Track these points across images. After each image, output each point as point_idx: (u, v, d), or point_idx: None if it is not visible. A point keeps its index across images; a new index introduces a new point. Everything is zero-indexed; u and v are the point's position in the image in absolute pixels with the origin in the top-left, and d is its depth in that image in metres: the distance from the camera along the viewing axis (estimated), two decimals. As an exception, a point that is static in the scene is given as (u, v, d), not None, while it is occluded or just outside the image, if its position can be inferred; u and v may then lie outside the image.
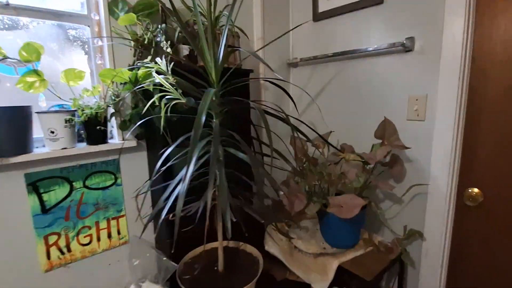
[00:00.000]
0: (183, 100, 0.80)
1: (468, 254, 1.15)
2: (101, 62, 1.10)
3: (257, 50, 1.53)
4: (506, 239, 1.06)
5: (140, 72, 0.95)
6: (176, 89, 0.80)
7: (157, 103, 0.80)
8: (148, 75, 0.95)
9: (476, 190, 1.11)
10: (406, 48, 1.18)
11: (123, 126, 1.06)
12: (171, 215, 0.81)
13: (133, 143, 1.11)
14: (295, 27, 1.64)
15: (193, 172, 0.86)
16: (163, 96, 0.87)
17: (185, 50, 1.13)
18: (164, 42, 1.01)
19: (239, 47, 1.25)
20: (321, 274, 1.09)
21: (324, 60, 1.51)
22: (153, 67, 0.78)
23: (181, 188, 0.74)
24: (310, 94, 1.63)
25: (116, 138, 1.13)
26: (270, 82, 1.21)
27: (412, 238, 1.15)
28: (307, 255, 1.16)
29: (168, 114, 0.87)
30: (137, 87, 0.93)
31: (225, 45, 0.91)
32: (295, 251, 1.20)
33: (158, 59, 0.85)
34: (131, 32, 1.06)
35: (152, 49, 1.03)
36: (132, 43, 1.07)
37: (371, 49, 1.26)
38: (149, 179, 1.17)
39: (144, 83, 0.89)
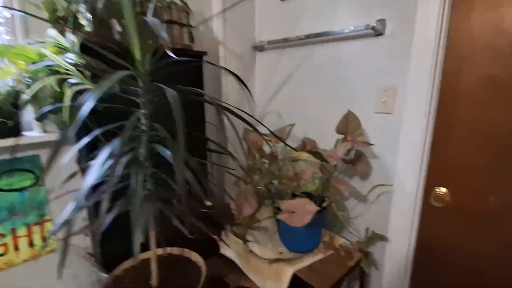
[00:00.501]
0: (89, 86, 0.64)
1: (434, 256, 1.09)
2: (11, 38, 0.90)
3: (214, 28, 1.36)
4: (472, 241, 0.99)
5: (50, 49, 0.77)
6: (82, 72, 0.64)
7: (57, 89, 0.63)
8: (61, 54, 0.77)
9: (443, 189, 1.02)
10: (376, 31, 1.05)
11: (40, 117, 0.89)
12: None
13: (54, 136, 0.94)
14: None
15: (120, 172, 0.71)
16: (78, 84, 0.70)
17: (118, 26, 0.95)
18: (85, 14, 0.83)
19: (188, 24, 1.08)
20: (276, 282, 0.99)
21: (292, 44, 1.36)
22: (49, 42, 0.61)
23: (106, 189, 0.59)
24: (277, 82, 1.48)
25: (36, 129, 0.96)
26: (223, 68, 1.06)
27: (375, 240, 1.07)
28: (262, 260, 1.05)
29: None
30: (35, 67, 0.75)
31: (158, 19, 0.74)
32: (251, 255, 1.09)
33: (68, 35, 0.68)
34: (46, 2, 0.86)
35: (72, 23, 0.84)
36: (48, 15, 0.87)
37: (339, 31, 1.12)
38: (68, 178, 1.00)
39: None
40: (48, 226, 0.99)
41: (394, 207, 1.10)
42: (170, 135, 0.71)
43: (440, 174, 1.03)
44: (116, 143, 0.66)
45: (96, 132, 0.71)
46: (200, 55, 1.13)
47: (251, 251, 1.10)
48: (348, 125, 1.00)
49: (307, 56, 1.31)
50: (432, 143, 1.02)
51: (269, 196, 0.87)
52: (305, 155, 0.85)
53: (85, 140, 0.71)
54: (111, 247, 0.98)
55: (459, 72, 0.94)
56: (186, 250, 0.98)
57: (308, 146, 1.05)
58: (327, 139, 1.26)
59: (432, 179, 1.05)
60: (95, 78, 0.74)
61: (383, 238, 1.07)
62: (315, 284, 0.90)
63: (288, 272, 0.97)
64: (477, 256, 0.98)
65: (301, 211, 0.82)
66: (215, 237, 0.85)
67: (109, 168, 0.55)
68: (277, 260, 1.02)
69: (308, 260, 1.02)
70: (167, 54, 0.74)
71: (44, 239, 0.99)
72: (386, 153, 1.10)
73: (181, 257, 0.96)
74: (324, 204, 0.99)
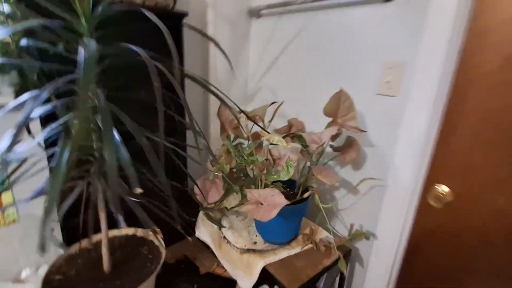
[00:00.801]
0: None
1: (426, 258, 0.98)
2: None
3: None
4: (470, 246, 0.87)
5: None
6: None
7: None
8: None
9: (445, 188, 0.89)
10: (386, -5, 0.87)
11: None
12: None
13: (6, 99, 0.85)
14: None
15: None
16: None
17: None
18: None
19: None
20: (246, 273, 0.92)
21: (293, 10, 1.18)
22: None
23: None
24: (273, 54, 1.32)
25: (-10, 92, 0.87)
26: (201, 33, 0.91)
27: (358, 238, 0.96)
28: (235, 249, 0.97)
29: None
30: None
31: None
32: (224, 242, 1.01)
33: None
34: None
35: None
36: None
37: (342, -6, 0.94)
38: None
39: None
40: (8, 196, 0.94)
41: (386, 202, 0.98)
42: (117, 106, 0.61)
43: (444, 170, 0.89)
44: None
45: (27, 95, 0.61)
46: (178, 17, 0.99)
47: (224, 237, 1.02)
48: (340, 107, 0.86)
49: (307, 24, 1.14)
50: (438, 132, 0.87)
51: (238, 182, 0.77)
52: (275, 139, 0.73)
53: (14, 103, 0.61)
54: (72, 223, 0.92)
55: (481, 49, 0.76)
56: (144, 230, 0.90)
57: (294, 129, 0.92)
58: (322, 121, 1.12)
59: (433, 175, 0.91)
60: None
61: (367, 237, 0.96)
62: (283, 281, 0.81)
63: (258, 264, 0.89)
64: (474, 261, 0.87)
65: (269, 203, 0.71)
66: (186, 220, 0.76)
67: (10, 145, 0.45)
68: (248, 251, 0.94)
69: (283, 253, 0.93)
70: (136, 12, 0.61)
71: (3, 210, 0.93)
72: (384, 141, 0.96)
73: (140, 239, 0.89)
74: (306, 195, 0.88)
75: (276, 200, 0.70)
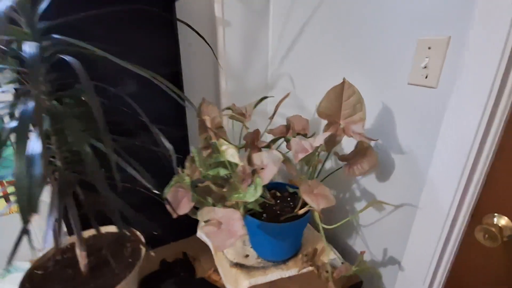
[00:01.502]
0: None
1: (466, 309, 0.73)
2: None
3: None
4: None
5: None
6: None
7: None
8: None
9: (503, 220, 0.62)
10: None
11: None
12: None
13: None
14: None
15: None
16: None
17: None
18: None
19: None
20: (234, 287, 0.82)
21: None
22: None
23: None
24: (290, 34, 1.12)
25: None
26: (179, 20, 0.78)
27: (365, 272, 0.76)
28: (226, 259, 0.88)
29: None
30: None
31: None
32: (218, 249, 0.93)
33: None
34: None
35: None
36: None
37: None
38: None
39: None
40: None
41: (416, 227, 0.75)
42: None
43: (502, 195, 0.61)
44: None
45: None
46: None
47: (219, 244, 0.93)
48: (342, 104, 0.65)
49: (325, -6, 0.90)
50: (497, 142, 0.60)
51: (211, 194, 0.65)
52: (229, 152, 0.57)
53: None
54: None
55: None
56: (137, 232, 0.87)
57: (291, 129, 0.74)
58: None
59: (485, 200, 0.64)
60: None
61: (378, 275, 0.75)
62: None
63: (243, 283, 0.78)
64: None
65: (229, 226, 0.58)
66: (175, 215, 0.69)
67: None
68: (236, 265, 0.83)
69: (275, 274, 0.80)
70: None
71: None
72: (417, 148, 0.72)
73: (121, 237, 0.86)
74: (301, 212, 0.72)
75: (234, 227, 0.57)
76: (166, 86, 0.58)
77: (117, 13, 0.86)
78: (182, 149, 1.02)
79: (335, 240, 1.05)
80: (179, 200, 0.68)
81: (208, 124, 0.73)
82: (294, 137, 0.72)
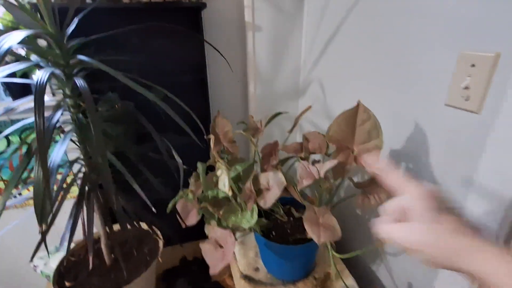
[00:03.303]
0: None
1: None
2: None
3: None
4: None
5: None
6: None
7: None
8: None
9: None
10: None
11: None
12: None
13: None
14: None
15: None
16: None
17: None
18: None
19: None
20: (240, 300, 0.83)
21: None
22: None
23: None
24: (323, 37, 1.05)
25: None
26: (202, 38, 0.78)
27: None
28: (237, 268, 0.89)
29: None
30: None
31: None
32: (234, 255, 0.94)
33: None
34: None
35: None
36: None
37: None
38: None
39: None
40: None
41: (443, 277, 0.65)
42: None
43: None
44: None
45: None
46: (194, 8, 0.89)
47: (232, 252, 0.94)
48: (355, 130, 0.58)
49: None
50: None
51: (215, 211, 0.64)
52: (218, 172, 0.54)
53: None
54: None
55: None
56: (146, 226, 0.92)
57: (311, 147, 0.69)
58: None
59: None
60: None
61: None
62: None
63: (247, 299, 0.78)
64: None
65: (224, 250, 0.56)
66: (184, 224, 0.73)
67: None
68: (245, 278, 0.83)
69: (281, 294, 0.78)
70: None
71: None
72: (452, 180, 0.61)
73: (145, 234, 0.92)
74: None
75: (226, 249, 0.55)
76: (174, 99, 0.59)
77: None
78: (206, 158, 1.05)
79: (355, 262, 0.98)
80: (188, 211, 0.70)
81: (221, 137, 0.73)
82: (307, 157, 0.67)
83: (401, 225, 0.30)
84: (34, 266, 1.10)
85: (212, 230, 0.61)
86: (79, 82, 0.54)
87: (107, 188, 0.59)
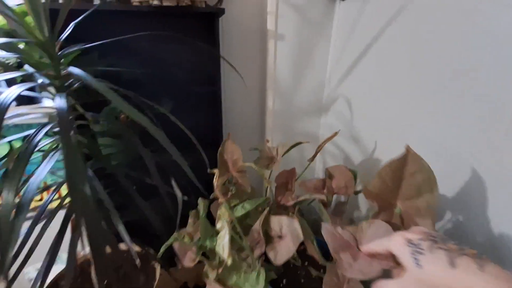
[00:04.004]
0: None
1: None
2: None
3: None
4: None
5: None
6: None
7: None
8: None
9: None
10: None
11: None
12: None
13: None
14: None
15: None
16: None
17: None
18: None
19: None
20: None
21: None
22: None
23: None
24: (354, 50, 0.92)
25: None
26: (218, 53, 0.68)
27: None
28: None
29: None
30: None
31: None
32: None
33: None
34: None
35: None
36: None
37: None
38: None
39: None
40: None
41: None
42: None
43: None
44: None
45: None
46: (211, 14, 0.79)
47: None
48: (401, 183, 0.45)
49: (412, 7, 0.69)
50: None
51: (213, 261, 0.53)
52: (218, 225, 0.42)
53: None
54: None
55: None
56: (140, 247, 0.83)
57: (334, 185, 0.56)
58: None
59: None
60: None
61: None
62: None
63: None
64: None
65: None
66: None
67: None
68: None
69: None
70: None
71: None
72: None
73: (143, 256, 0.83)
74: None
75: None
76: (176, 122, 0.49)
77: (161, 27, 0.82)
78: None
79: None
80: (185, 250, 0.60)
81: (229, 165, 0.62)
82: (330, 200, 0.55)
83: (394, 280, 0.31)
84: (30, 279, 1.04)
85: (210, 286, 0.50)
86: (58, 100, 0.45)
87: (85, 219, 0.49)
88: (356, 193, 0.64)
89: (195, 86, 0.91)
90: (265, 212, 0.54)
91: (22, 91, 0.42)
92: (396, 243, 0.32)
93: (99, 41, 0.65)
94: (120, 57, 0.81)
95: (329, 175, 0.59)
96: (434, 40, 0.61)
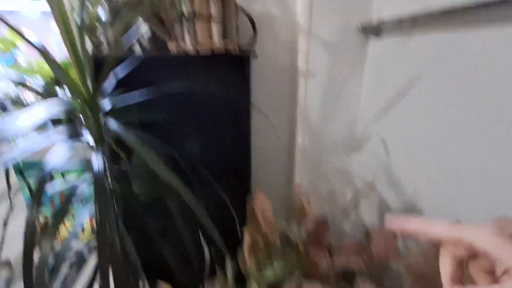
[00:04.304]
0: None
1: None
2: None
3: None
4: None
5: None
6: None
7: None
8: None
9: None
10: None
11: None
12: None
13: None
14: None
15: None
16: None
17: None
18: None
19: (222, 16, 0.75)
20: None
21: (427, 21, 0.72)
22: None
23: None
24: (391, 87, 0.88)
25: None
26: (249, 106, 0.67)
27: None
28: None
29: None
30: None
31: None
32: None
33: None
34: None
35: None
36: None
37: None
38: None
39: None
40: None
41: None
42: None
43: None
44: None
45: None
46: (243, 58, 0.80)
47: None
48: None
49: (452, 47, 0.64)
50: None
51: None
52: None
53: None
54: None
55: None
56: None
57: (372, 252, 0.51)
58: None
59: None
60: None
61: None
62: None
63: None
64: None
65: None
66: None
67: None
68: None
69: None
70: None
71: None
72: None
73: None
74: None
75: None
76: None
77: (195, 69, 0.83)
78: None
79: None
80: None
81: (259, 217, 0.59)
82: (371, 273, 0.49)
83: None
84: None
85: None
86: (95, 158, 0.46)
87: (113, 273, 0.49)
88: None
89: (225, 125, 0.91)
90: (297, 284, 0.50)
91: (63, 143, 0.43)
92: (496, 239, 0.23)
93: (137, 83, 0.67)
94: (157, 102, 0.81)
95: (367, 236, 0.54)
96: (475, 78, 0.56)
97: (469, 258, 0.25)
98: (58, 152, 0.49)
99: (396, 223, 0.27)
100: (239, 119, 0.88)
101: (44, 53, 0.50)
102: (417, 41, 0.76)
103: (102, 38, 0.76)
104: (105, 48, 0.75)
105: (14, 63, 0.92)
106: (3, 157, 0.44)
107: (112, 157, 0.61)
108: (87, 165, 0.60)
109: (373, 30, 0.92)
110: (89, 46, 0.77)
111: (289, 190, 1.10)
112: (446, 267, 0.25)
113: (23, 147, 0.48)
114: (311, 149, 1.06)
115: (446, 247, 0.25)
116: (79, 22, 0.53)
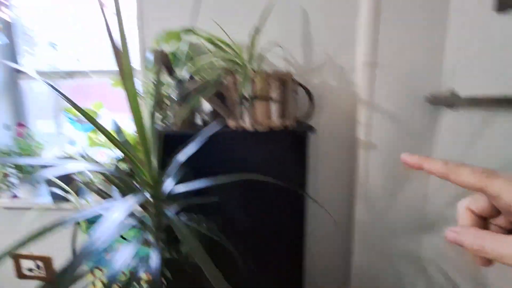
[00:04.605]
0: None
1: None
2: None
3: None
4: None
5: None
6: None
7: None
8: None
9: None
10: None
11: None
12: None
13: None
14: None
15: None
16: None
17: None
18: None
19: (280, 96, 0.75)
20: None
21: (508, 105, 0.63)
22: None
23: None
24: (464, 161, 0.76)
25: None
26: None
27: None
28: None
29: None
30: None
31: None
32: None
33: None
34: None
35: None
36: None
37: None
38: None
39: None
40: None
41: None
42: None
43: None
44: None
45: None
46: (301, 134, 0.77)
47: None
48: None
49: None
50: None
51: None
52: None
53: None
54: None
55: None
56: None
57: None
58: None
59: None
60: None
61: None
62: None
63: None
64: None
65: None
66: None
67: None
68: None
69: None
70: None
71: None
72: None
73: None
74: None
75: None
76: None
77: (253, 143, 0.81)
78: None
79: None
80: None
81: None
82: None
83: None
84: None
85: None
86: (153, 257, 0.44)
87: None
88: None
89: (279, 208, 0.85)
90: None
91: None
92: None
93: (196, 156, 0.66)
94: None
95: None
96: None
97: (490, 215, 0.23)
98: (125, 252, 0.49)
99: (414, 158, 0.23)
100: (294, 203, 0.83)
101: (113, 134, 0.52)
102: (503, 119, 0.66)
103: (170, 114, 0.81)
104: (172, 123, 0.79)
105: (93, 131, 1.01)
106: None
107: (167, 244, 0.60)
108: (145, 259, 0.59)
109: (445, 102, 0.84)
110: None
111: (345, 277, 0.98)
112: (465, 222, 0.24)
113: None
114: (372, 227, 0.95)
115: (468, 199, 0.24)
116: (152, 104, 0.56)
